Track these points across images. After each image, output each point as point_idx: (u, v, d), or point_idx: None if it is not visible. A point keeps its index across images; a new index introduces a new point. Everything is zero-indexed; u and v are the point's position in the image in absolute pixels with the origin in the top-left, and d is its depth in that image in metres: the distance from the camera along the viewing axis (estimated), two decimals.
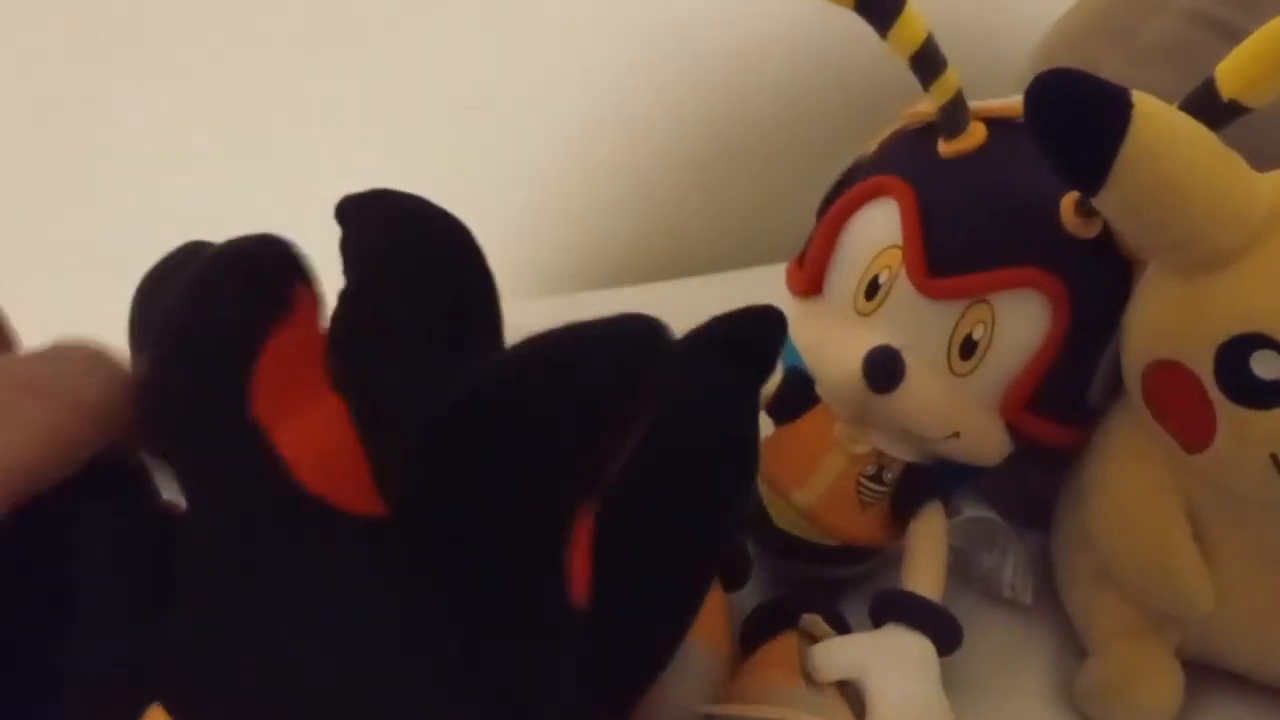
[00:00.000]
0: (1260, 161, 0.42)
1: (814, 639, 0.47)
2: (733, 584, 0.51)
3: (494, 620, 0.27)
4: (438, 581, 0.26)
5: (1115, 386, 0.46)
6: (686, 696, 0.45)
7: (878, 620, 0.47)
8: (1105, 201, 0.39)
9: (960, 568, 0.54)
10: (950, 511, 0.51)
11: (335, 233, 0.31)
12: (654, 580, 0.34)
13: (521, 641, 0.28)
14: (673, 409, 0.29)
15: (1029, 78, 0.54)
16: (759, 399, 0.41)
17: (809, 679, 0.45)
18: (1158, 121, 0.38)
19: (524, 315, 0.83)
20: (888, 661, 0.44)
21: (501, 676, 0.27)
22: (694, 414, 0.36)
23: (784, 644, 0.48)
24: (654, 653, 0.35)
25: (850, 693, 0.45)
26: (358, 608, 0.26)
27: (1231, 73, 0.39)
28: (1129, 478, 0.47)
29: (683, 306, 0.75)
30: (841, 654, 0.45)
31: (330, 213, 0.32)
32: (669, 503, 0.34)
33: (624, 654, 0.34)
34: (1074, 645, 0.51)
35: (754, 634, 0.49)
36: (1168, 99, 0.41)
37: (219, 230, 0.31)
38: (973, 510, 0.53)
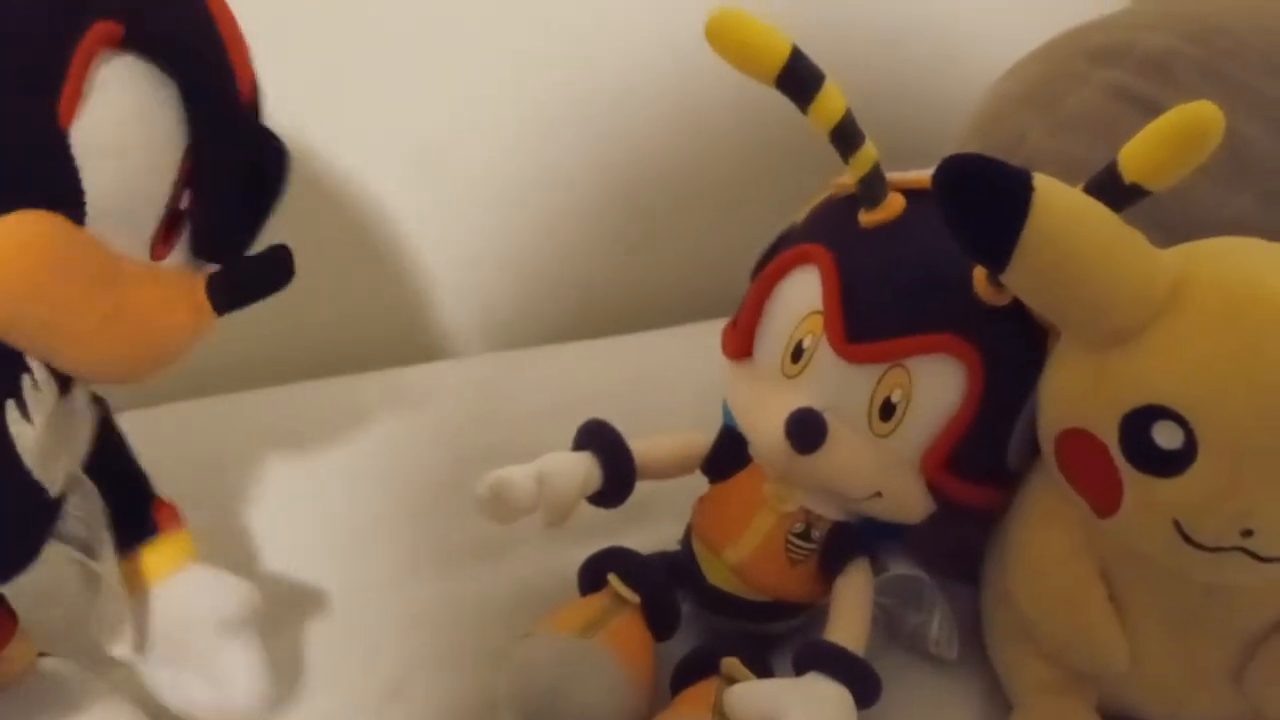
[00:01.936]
0: (1178, 232, 0.44)
1: (734, 681, 0.48)
2: (661, 634, 0.52)
3: None
4: None
5: (1033, 449, 0.47)
6: (595, 705, 0.47)
7: (800, 670, 0.48)
8: (1010, 279, 0.41)
9: (887, 623, 0.55)
10: (878, 569, 0.53)
11: None
12: None
13: None
14: None
15: (964, 140, 0.57)
16: None
17: (723, 718, 0.46)
18: (1058, 205, 0.39)
19: (489, 367, 0.84)
20: (804, 706, 0.45)
21: None
22: None
23: (704, 687, 0.49)
24: None
25: None
26: None
27: (1133, 158, 0.41)
28: (1046, 540, 0.48)
29: (630, 361, 0.77)
30: (758, 697, 0.46)
31: None
32: None
33: None
34: (999, 700, 0.53)
35: (681, 680, 0.51)
36: (1089, 169, 0.43)
37: None
38: (900, 567, 0.54)
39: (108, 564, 0.44)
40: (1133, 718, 0.50)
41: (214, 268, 0.42)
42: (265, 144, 0.43)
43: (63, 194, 0.36)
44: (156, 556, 0.47)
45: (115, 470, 0.47)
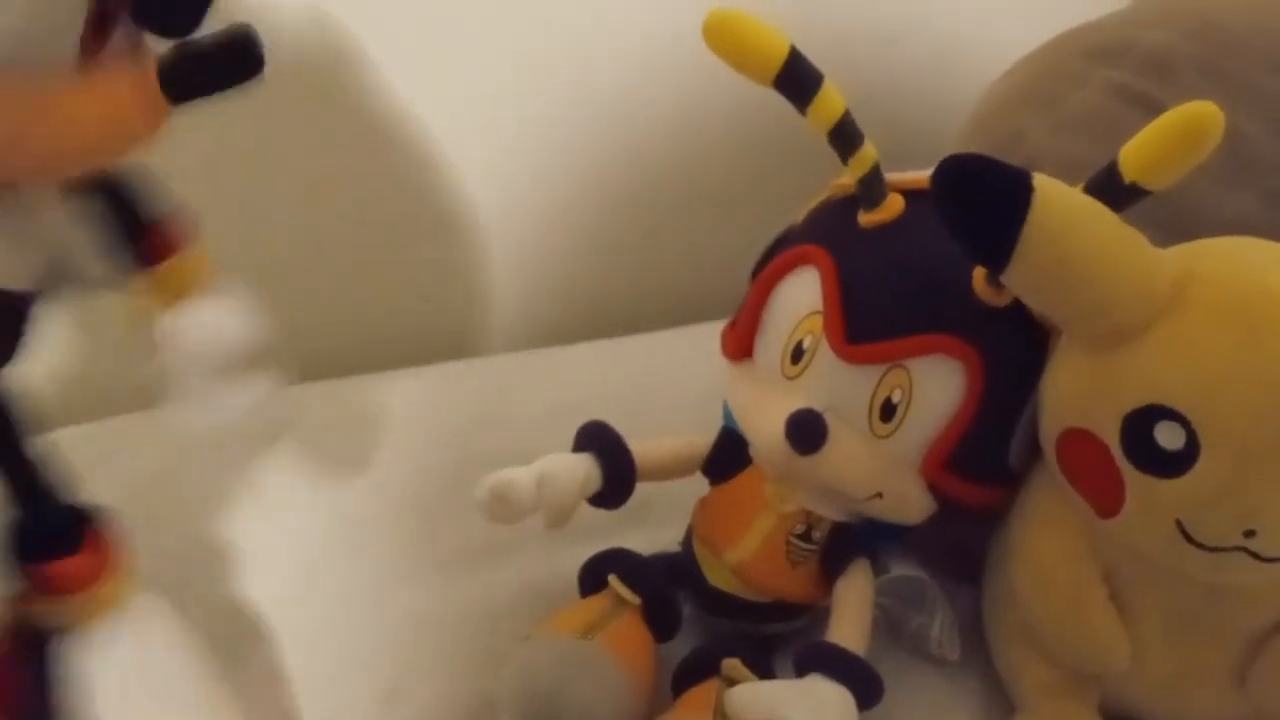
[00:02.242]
0: (1178, 231, 0.44)
1: (735, 683, 0.48)
2: (662, 635, 0.52)
3: None
4: None
5: (1035, 449, 0.47)
6: (596, 706, 0.47)
7: (801, 671, 0.48)
8: (1010, 279, 0.41)
9: (889, 625, 0.55)
10: (879, 569, 0.53)
11: None
12: None
13: None
14: None
15: (965, 140, 0.56)
16: None
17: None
18: (1057, 205, 0.39)
19: (490, 369, 0.84)
20: (806, 707, 0.45)
21: None
22: None
23: (705, 688, 0.49)
24: None
25: None
26: None
27: (1133, 157, 0.41)
28: (1048, 541, 0.48)
29: (631, 363, 0.77)
30: (760, 698, 0.46)
31: None
32: None
33: None
34: (1002, 701, 0.53)
35: (682, 682, 0.51)
36: (1089, 168, 0.43)
37: None
38: (901, 568, 0.55)
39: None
40: (1135, 718, 0.50)
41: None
42: None
43: None
44: (155, 294, 0.46)
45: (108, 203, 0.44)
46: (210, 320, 0.47)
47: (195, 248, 0.46)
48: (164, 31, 0.37)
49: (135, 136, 0.38)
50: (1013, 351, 0.46)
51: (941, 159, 0.40)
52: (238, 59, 0.38)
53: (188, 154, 0.46)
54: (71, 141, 0.36)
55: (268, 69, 0.38)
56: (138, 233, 0.45)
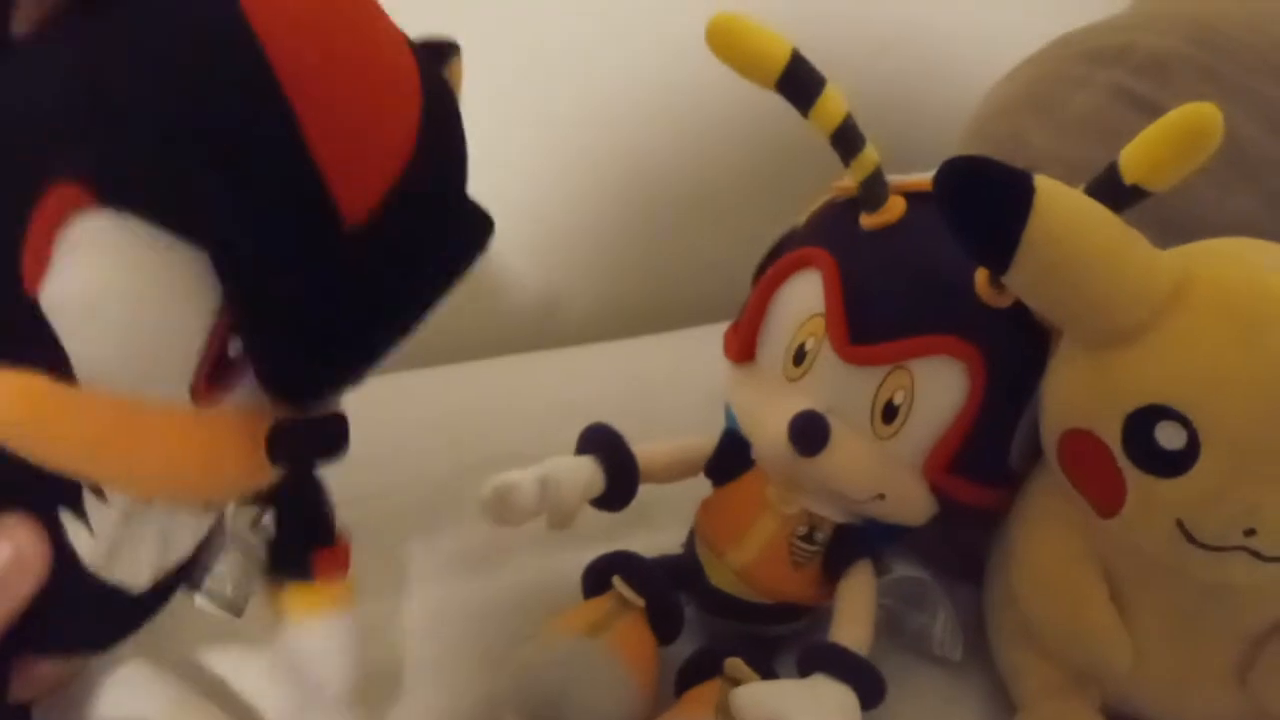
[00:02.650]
0: (1179, 232, 0.44)
1: (738, 683, 0.48)
2: (665, 637, 0.52)
3: None
4: None
5: (1036, 450, 0.48)
6: (600, 706, 0.47)
7: (804, 671, 0.48)
8: (1012, 280, 0.41)
9: (891, 625, 0.55)
10: (881, 570, 0.53)
11: None
12: None
13: None
14: None
15: (966, 143, 0.57)
16: None
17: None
18: (1059, 206, 0.39)
19: (493, 371, 0.84)
20: (809, 707, 0.45)
21: None
22: None
23: (707, 688, 0.50)
24: None
25: None
26: None
27: (1133, 159, 0.41)
28: (1049, 541, 0.48)
29: (633, 365, 0.77)
30: (763, 697, 0.46)
31: None
32: None
33: None
34: (1003, 701, 0.53)
35: (685, 682, 0.51)
36: (1090, 170, 0.43)
37: None
38: (903, 569, 0.55)
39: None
40: (1137, 718, 0.50)
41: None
42: (402, 247, 0.34)
43: (38, 357, 0.32)
44: (296, 600, 0.47)
45: (291, 511, 0.46)
46: (337, 647, 0.47)
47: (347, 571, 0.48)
48: (285, 398, 0.36)
49: (231, 484, 0.38)
50: (1014, 352, 0.47)
51: (943, 161, 0.40)
52: (332, 442, 0.38)
53: None
54: (163, 467, 0.35)
55: None
56: (308, 548, 0.46)
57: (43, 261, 0.31)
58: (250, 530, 0.44)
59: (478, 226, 0.36)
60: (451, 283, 0.36)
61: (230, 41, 0.30)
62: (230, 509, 0.44)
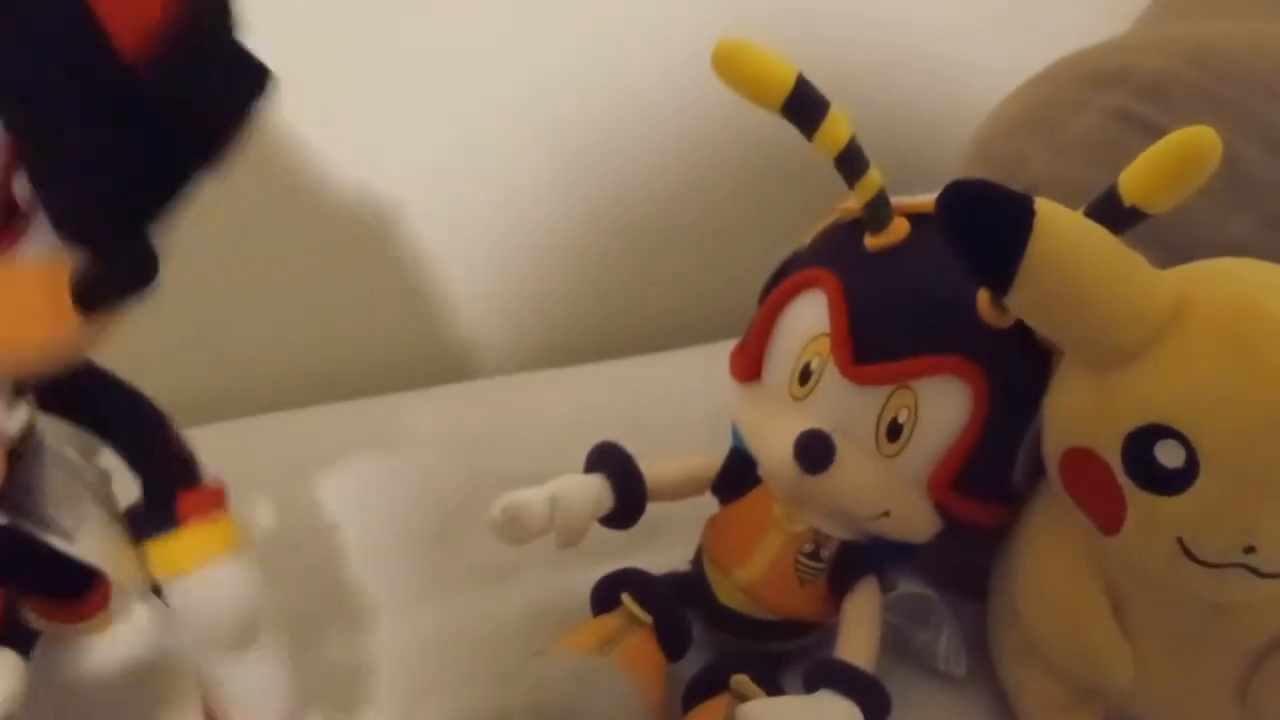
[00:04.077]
0: (1179, 253, 0.45)
1: (745, 699, 0.49)
2: (673, 654, 0.53)
3: None
4: None
5: (1038, 468, 0.48)
6: (604, 716, 0.47)
7: (810, 687, 0.48)
8: (1014, 301, 0.42)
9: (896, 641, 0.55)
10: (886, 587, 0.53)
11: None
12: None
13: None
14: None
15: (966, 165, 0.57)
16: None
17: None
18: (1059, 228, 0.40)
19: (501, 390, 0.84)
20: None
21: None
22: None
23: (715, 704, 0.50)
24: None
25: None
26: None
27: (1132, 181, 0.42)
28: (1051, 558, 0.49)
29: (640, 384, 0.78)
30: (770, 713, 0.47)
31: None
32: None
33: None
34: (1007, 717, 0.53)
35: (692, 698, 0.52)
36: (1090, 192, 0.44)
37: None
38: (908, 586, 0.55)
39: (85, 544, 0.41)
40: None
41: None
42: (184, 92, 0.33)
43: None
44: (164, 551, 0.43)
45: (136, 456, 0.43)
46: (225, 591, 0.44)
47: (208, 523, 0.44)
48: (80, 244, 0.34)
49: (38, 339, 0.35)
50: (1016, 372, 0.47)
51: (946, 184, 0.41)
52: (136, 277, 0.36)
53: None
54: None
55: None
56: (156, 499, 0.43)
57: None
58: (81, 458, 0.41)
59: (257, 72, 0.35)
60: (237, 124, 0.35)
61: None
62: (51, 430, 0.42)
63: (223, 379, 0.79)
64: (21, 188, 0.34)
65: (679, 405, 0.72)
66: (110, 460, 0.44)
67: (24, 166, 0.33)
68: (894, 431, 0.47)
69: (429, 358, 0.86)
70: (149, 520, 0.43)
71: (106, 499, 0.43)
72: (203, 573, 0.43)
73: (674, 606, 0.53)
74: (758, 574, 0.52)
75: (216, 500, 0.44)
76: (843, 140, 0.46)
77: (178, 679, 0.46)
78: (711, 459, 0.55)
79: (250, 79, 0.35)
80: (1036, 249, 0.40)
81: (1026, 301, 0.42)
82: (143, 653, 0.46)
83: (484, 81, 0.80)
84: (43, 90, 0.31)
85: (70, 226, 0.34)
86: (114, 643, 0.46)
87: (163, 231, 0.36)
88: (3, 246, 0.34)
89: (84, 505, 0.41)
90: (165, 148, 0.34)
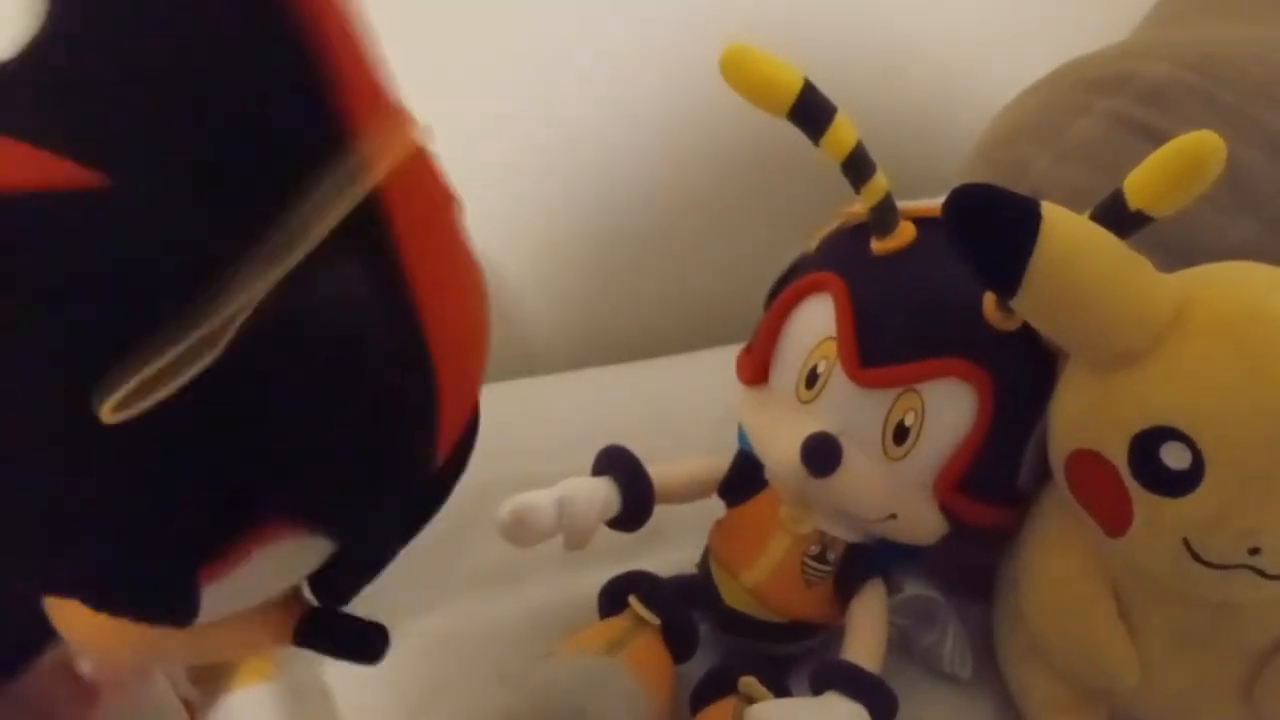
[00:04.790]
0: (1182, 257, 0.45)
1: (752, 701, 0.49)
2: (681, 655, 0.53)
3: None
4: None
5: (1044, 470, 0.48)
6: (612, 717, 0.48)
7: (818, 689, 0.49)
8: (1019, 304, 0.42)
9: (902, 643, 0.56)
10: (892, 589, 0.54)
11: None
12: None
13: None
14: None
15: (970, 169, 0.57)
16: None
17: None
18: (1065, 232, 0.40)
19: (509, 394, 0.84)
20: None
21: None
22: None
23: (722, 706, 0.51)
24: None
25: None
26: None
27: (1138, 185, 0.42)
28: (1057, 559, 0.49)
29: (647, 388, 0.78)
30: (777, 715, 0.47)
31: None
32: None
33: None
34: (1013, 717, 0.53)
35: (700, 700, 0.52)
36: (1093, 196, 0.44)
37: None
38: (914, 588, 0.55)
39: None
40: None
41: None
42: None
43: (178, 618, 0.32)
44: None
45: None
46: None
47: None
48: (323, 599, 0.38)
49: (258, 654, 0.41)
50: (1022, 375, 0.48)
51: (952, 189, 0.41)
52: (363, 651, 0.39)
53: None
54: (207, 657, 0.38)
55: None
56: None
57: (235, 565, 0.31)
58: None
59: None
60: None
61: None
62: None
63: None
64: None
65: (686, 409, 0.72)
66: None
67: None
68: (900, 434, 0.47)
69: None
70: None
71: None
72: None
73: (681, 609, 0.53)
74: (764, 576, 0.52)
75: None
76: (849, 145, 0.46)
77: None
78: (718, 462, 0.55)
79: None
80: (1042, 253, 0.40)
81: (1032, 305, 0.42)
82: None
83: (489, 94, 0.80)
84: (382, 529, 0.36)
85: (327, 594, 0.38)
86: None
87: None
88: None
89: None
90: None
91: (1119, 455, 0.42)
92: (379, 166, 0.29)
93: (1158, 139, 0.42)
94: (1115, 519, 0.44)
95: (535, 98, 0.81)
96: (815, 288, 0.50)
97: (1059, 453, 0.46)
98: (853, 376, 0.47)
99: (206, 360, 0.26)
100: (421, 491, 0.37)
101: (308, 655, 0.39)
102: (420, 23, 0.75)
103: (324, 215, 0.28)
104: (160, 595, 0.31)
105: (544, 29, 0.79)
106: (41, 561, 0.30)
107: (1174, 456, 0.41)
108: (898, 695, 0.48)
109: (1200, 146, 0.40)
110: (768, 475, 0.52)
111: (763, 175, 0.87)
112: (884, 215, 0.48)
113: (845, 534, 0.51)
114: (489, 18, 0.77)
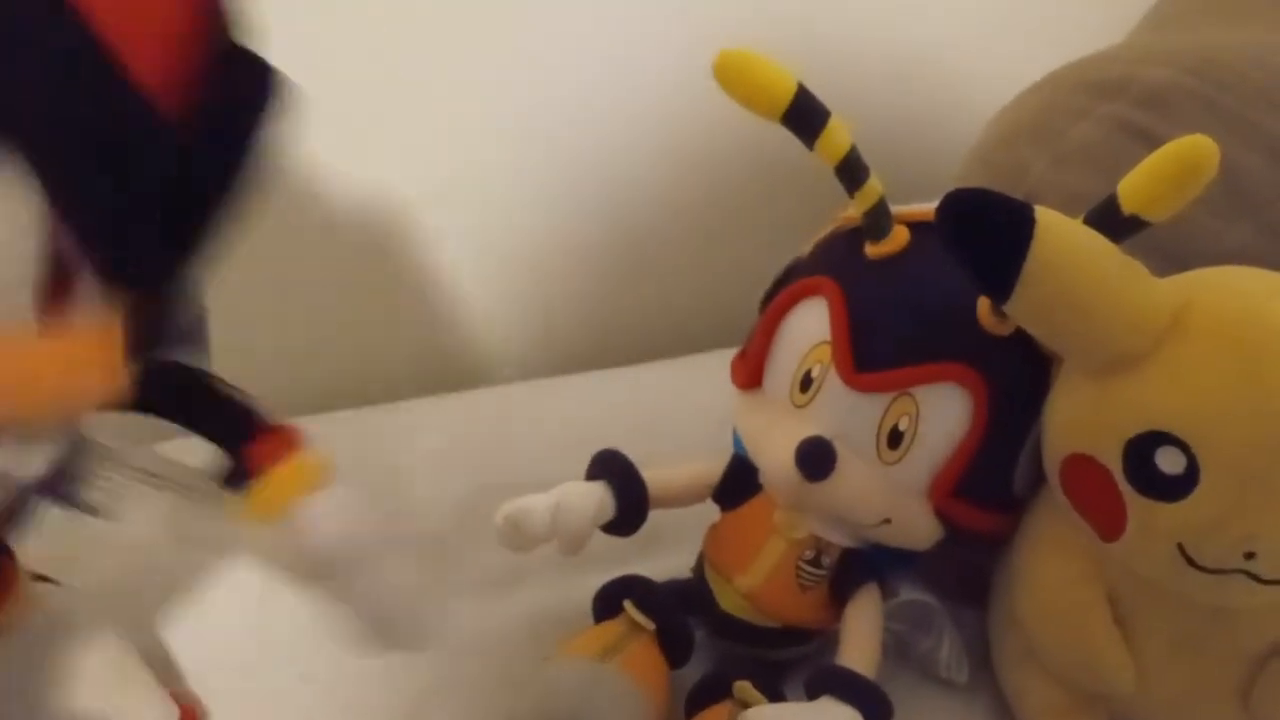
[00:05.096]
0: (1178, 261, 0.45)
1: (747, 706, 0.49)
2: (676, 660, 0.53)
3: None
4: None
5: (1039, 475, 0.48)
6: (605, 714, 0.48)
7: (813, 694, 0.49)
8: (1013, 308, 0.42)
9: (898, 648, 0.56)
10: (888, 594, 0.53)
11: None
12: None
13: None
14: None
15: (967, 172, 0.57)
16: None
17: None
18: (1059, 237, 0.40)
19: (503, 398, 0.84)
20: None
21: None
22: None
23: (717, 711, 0.50)
24: None
25: None
26: None
27: (1132, 190, 0.42)
28: (1052, 564, 0.49)
29: (643, 392, 0.78)
30: None
31: None
32: None
33: None
34: None
35: (695, 705, 0.52)
36: (1090, 200, 0.44)
37: None
38: (910, 593, 0.55)
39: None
40: None
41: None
42: (207, 143, 0.34)
43: None
44: (253, 505, 0.44)
45: (192, 425, 0.44)
46: (316, 525, 0.45)
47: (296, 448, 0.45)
48: (126, 286, 0.34)
49: (92, 396, 0.36)
50: (1017, 379, 0.47)
51: (946, 193, 0.41)
52: (191, 337, 0.38)
53: None
54: (24, 397, 0.33)
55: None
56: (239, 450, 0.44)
57: None
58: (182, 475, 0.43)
59: (281, 96, 0.35)
60: (267, 152, 0.35)
61: None
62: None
63: None
64: (68, 244, 0.33)
65: (680, 413, 0.72)
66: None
67: (64, 220, 0.32)
68: (895, 439, 0.47)
69: (436, 367, 0.87)
70: (230, 482, 0.44)
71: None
72: (292, 515, 0.44)
73: (676, 614, 0.53)
74: (759, 581, 0.52)
75: (284, 443, 0.45)
76: (843, 149, 0.46)
77: (120, 660, 0.45)
78: (713, 466, 0.55)
79: (272, 91, 0.35)
80: (1037, 256, 0.40)
81: (1026, 309, 0.42)
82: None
83: (491, 103, 0.80)
84: (64, 133, 0.31)
85: (113, 274, 0.33)
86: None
87: (207, 264, 0.36)
88: (56, 305, 0.33)
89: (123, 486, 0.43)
90: (198, 176, 0.34)
91: (1113, 460, 0.42)
92: None
93: (1157, 143, 0.42)
94: (1109, 524, 0.43)
95: (532, 104, 0.81)
96: (809, 292, 0.49)
97: (1053, 457, 0.46)
98: (847, 381, 0.47)
99: None
100: (159, 160, 0.33)
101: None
102: (420, 24, 0.75)
103: None
104: None
105: (539, 35, 0.79)
106: None
107: (1168, 461, 0.41)
108: (893, 701, 0.48)
109: (1194, 150, 0.40)
110: (762, 480, 0.52)
111: (760, 180, 0.87)
112: (878, 220, 0.48)
113: (840, 539, 0.51)
114: (486, 22, 0.77)
